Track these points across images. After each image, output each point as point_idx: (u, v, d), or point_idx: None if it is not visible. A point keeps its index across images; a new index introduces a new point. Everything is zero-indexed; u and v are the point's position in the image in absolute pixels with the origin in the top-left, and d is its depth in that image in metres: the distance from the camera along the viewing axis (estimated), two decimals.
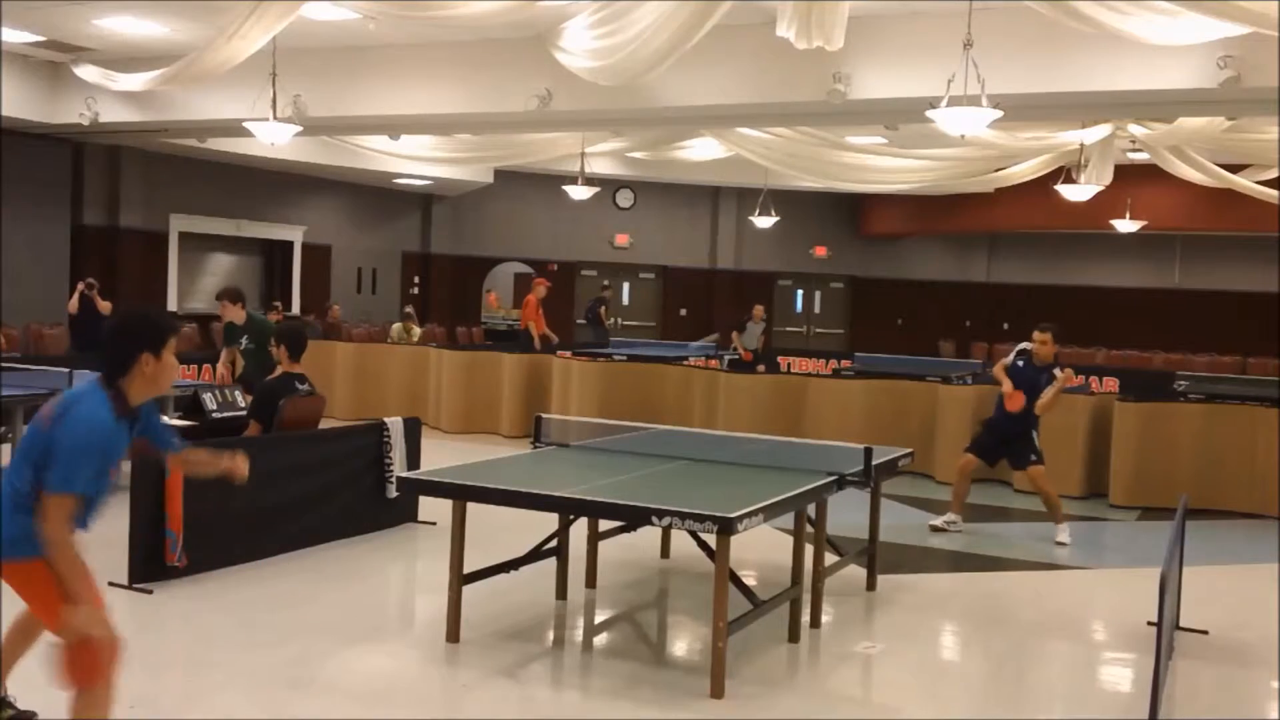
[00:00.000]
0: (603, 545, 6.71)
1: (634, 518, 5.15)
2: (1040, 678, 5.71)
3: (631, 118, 12.74)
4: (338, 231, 21.36)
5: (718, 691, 4.89)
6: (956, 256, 24.88)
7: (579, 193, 17.25)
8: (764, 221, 20.31)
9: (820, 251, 24.60)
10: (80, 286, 13.99)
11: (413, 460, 8.09)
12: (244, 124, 11.40)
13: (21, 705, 4.26)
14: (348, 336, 17.86)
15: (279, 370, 7.45)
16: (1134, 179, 16.92)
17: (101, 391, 3.70)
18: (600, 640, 6.08)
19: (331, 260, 21.31)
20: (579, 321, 22.24)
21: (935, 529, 8.67)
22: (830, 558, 6.45)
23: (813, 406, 11.39)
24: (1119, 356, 20.66)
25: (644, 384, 12.39)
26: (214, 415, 8.01)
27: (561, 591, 6.35)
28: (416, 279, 23.08)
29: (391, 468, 7.81)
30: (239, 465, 4.28)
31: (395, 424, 8.01)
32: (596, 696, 5.09)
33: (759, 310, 17.70)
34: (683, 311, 24.21)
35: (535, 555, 6.11)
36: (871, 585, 6.91)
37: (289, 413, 7.16)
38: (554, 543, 6.23)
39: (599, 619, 6.33)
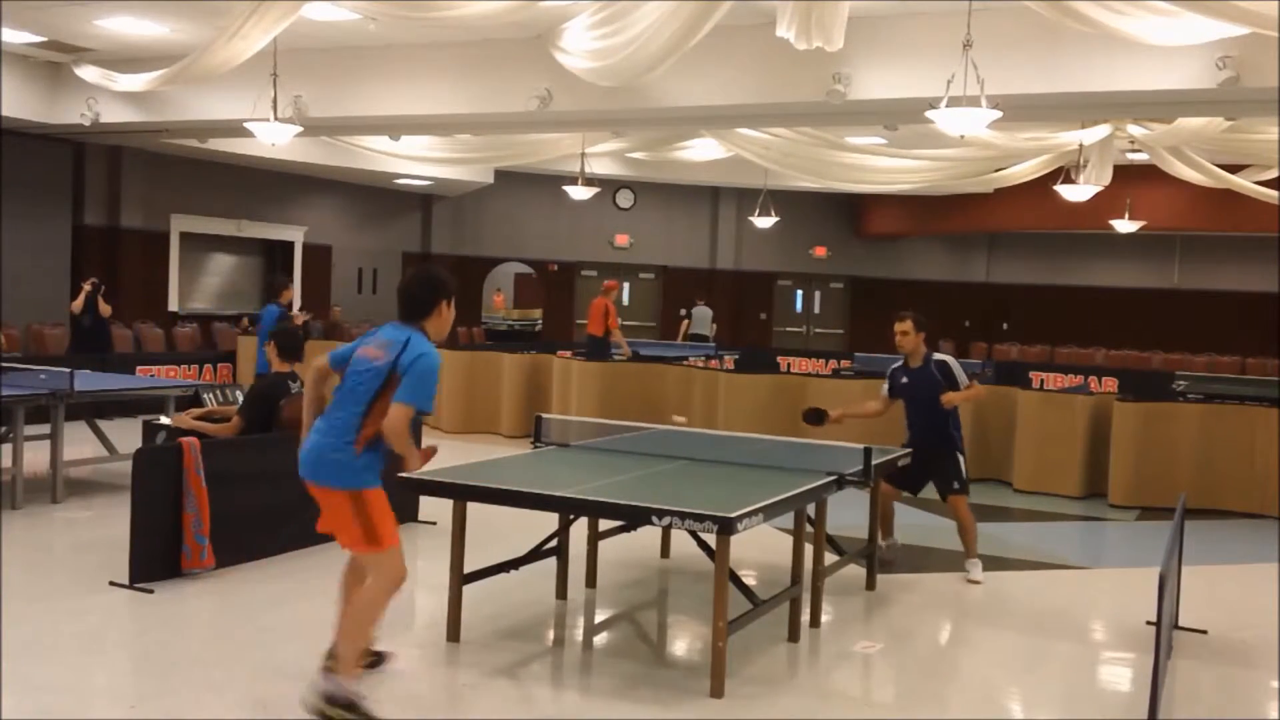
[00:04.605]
0: (603, 545, 6.72)
1: (634, 518, 5.15)
2: (1040, 677, 5.71)
3: (631, 118, 12.74)
4: (338, 231, 21.37)
5: (718, 691, 4.90)
6: (956, 256, 24.88)
7: (579, 193, 17.25)
8: (764, 222, 20.31)
9: (820, 251, 24.61)
10: (86, 287, 14.00)
11: None
12: (244, 124, 11.41)
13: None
14: (348, 337, 17.87)
15: (270, 370, 7.43)
16: (1133, 179, 16.92)
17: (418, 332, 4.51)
18: (600, 640, 6.08)
19: (332, 260, 21.32)
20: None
21: None
22: (830, 557, 6.46)
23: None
24: (1118, 356, 20.68)
25: (644, 384, 12.39)
26: None
27: (561, 591, 6.36)
28: None
29: None
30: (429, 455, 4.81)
31: None
32: (596, 696, 5.09)
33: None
34: (683, 311, 24.20)
35: (535, 555, 6.12)
36: (871, 585, 6.92)
37: (290, 413, 7.15)
38: (554, 543, 6.24)
39: (599, 619, 6.33)
